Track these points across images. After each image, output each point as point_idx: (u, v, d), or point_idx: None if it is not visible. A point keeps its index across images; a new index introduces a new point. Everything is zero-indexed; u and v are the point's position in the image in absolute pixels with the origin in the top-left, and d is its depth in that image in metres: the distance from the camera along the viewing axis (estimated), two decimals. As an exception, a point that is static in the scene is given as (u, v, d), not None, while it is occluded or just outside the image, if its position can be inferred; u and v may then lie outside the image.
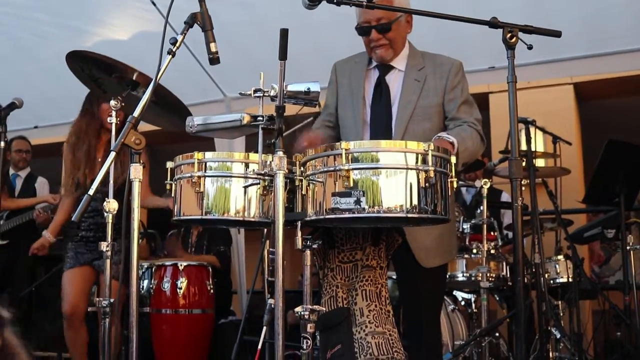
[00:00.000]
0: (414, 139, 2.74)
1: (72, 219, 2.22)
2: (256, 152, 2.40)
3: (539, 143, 6.01)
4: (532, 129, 4.60)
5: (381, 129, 2.96)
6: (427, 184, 2.23)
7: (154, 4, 5.09)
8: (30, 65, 6.25)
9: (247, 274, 6.13)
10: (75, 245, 4.30)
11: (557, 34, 2.60)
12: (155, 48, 2.45)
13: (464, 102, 3.01)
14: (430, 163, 2.24)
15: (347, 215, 2.21)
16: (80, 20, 5.56)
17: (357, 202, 2.19)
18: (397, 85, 3.04)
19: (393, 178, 2.23)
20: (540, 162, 5.29)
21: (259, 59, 2.32)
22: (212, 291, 4.92)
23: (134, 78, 3.07)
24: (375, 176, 2.23)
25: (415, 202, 2.23)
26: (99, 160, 4.23)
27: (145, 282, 4.84)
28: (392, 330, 2.65)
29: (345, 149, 2.22)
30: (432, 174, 2.23)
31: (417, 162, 2.25)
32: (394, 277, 3.96)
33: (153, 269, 4.84)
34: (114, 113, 3.08)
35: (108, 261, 2.91)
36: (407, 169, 2.24)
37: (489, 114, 6.89)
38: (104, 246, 2.88)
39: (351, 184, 2.20)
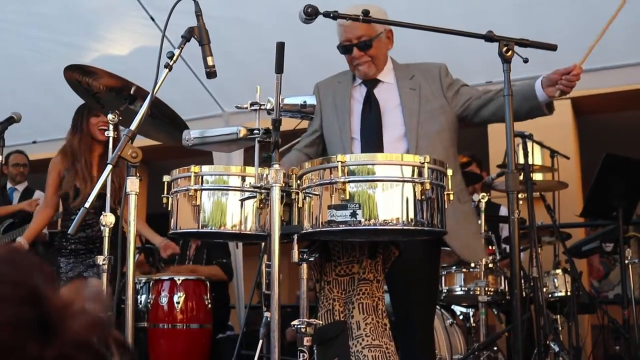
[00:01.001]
0: (428, 143, 2.89)
1: (69, 231, 2.22)
2: (253, 165, 2.40)
3: (536, 157, 6.02)
4: (529, 143, 4.61)
5: (372, 141, 2.99)
6: (423, 197, 2.24)
7: (152, 19, 5.11)
8: (28, 81, 6.25)
9: (245, 289, 6.12)
10: (66, 259, 4.29)
11: (552, 47, 2.63)
12: (154, 64, 2.46)
13: (465, 85, 3.14)
14: (426, 176, 2.25)
15: (343, 227, 2.21)
16: (79, 36, 5.57)
17: (353, 214, 2.19)
18: (386, 97, 3.08)
19: (389, 191, 2.23)
20: (538, 176, 5.30)
21: (258, 74, 2.34)
22: (209, 306, 4.90)
23: (132, 92, 3.09)
24: (371, 189, 2.23)
25: (411, 214, 2.23)
26: (94, 175, 4.24)
27: (143, 297, 4.82)
28: (388, 344, 2.64)
29: (342, 162, 2.23)
30: (428, 187, 2.23)
31: (413, 174, 2.25)
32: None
33: (150, 284, 4.82)
34: (111, 127, 3.09)
35: (105, 274, 2.91)
36: (404, 181, 2.24)
37: (487, 129, 6.91)
38: (100, 259, 2.88)
39: (347, 197, 2.20)
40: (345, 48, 3.04)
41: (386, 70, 3.13)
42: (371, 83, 3.11)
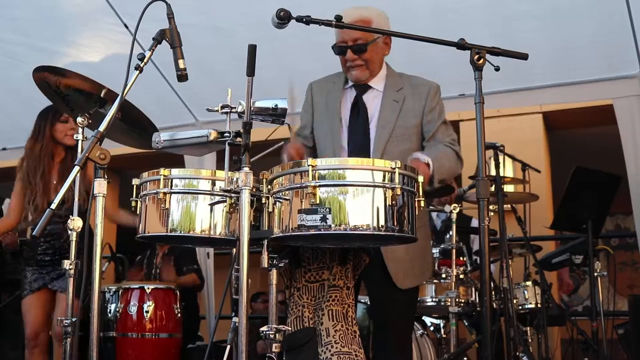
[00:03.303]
0: (392, 160, 2.80)
1: (33, 233, 2.18)
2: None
3: (508, 170, 6.06)
4: (501, 156, 4.64)
5: (359, 148, 2.97)
6: (394, 202, 2.22)
7: (126, 26, 5.07)
8: (-1, 87, 6.18)
9: (215, 299, 6.07)
10: (31, 270, 4.23)
11: (524, 56, 2.63)
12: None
13: (443, 123, 3.07)
14: (397, 181, 2.23)
15: (312, 232, 2.19)
16: (52, 42, 5.51)
17: (324, 219, 2.17)
18: (374, 104, 3.06)
19: (360, 196, 2.21)
20: (509, 188, 5.33)
21: (231, 84, 2.32)
22: (179, 315, 4.85)
23: (102, 95, 3.05)
24: (342, 194, 2.21)
25: (382, 220, 2.21)
26: (54, 182, 4.17)
27: (112, 306, 4.75)
28: (358, 351, 2.62)
29: (312, 166, 2.21)
30: (399, 192, 2.22)
31: (384, 179, 2.24)
32: (362, 300, 3.94)
33: (119, 292, 4.76)
34: (80, 130, 3.05)
35: (71, 280, 2.86)
36: (374, 186, 2.22)
37: (459, 142, 6.93)
38: (66, 264, 2.83)
39: (317, 201, 2.18)
40: (339, 49, 3.02)
41: (379, 77, 3.11)
42: (361, 88, 3.09)
